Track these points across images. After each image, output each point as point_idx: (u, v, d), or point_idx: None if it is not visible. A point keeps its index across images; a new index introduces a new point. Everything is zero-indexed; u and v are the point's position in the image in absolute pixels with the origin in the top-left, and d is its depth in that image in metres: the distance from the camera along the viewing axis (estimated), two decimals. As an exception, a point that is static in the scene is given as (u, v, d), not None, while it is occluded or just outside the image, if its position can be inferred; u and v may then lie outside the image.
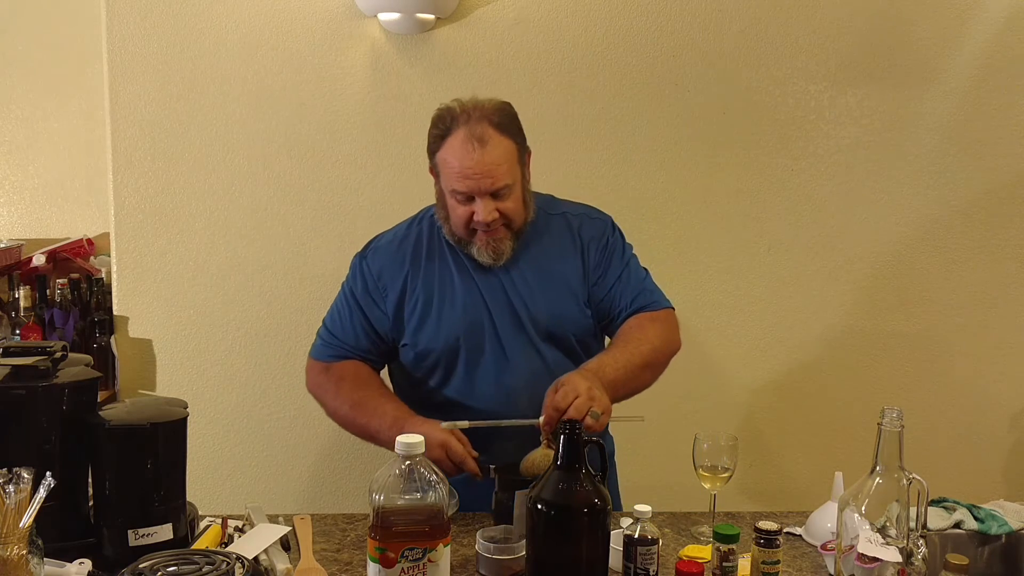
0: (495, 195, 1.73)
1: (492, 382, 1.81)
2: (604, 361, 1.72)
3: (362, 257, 1.91)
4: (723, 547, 1.43)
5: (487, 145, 1.70)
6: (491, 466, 1.70)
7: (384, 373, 1.96)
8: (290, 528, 1.58)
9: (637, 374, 1.75)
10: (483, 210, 1.72)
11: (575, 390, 1.57)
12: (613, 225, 1.93)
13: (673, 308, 1.90)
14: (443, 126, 1.74)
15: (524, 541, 1.42)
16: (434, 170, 1.81)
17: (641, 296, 1.86)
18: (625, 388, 1.73)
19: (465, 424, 1.70)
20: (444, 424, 1.70)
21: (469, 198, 1.73)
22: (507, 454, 1.70)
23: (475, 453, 1.69)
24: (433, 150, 1.78)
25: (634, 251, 1.94)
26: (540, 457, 1.63)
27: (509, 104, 1.79)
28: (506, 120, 1.75)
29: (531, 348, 1.81)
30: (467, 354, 1.81)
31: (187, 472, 1.53)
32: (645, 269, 1.93)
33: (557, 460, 1.37)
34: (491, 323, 1.81)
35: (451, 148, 1.72)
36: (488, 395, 1.80)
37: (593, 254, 1.87)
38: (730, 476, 1.66)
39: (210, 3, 2.55)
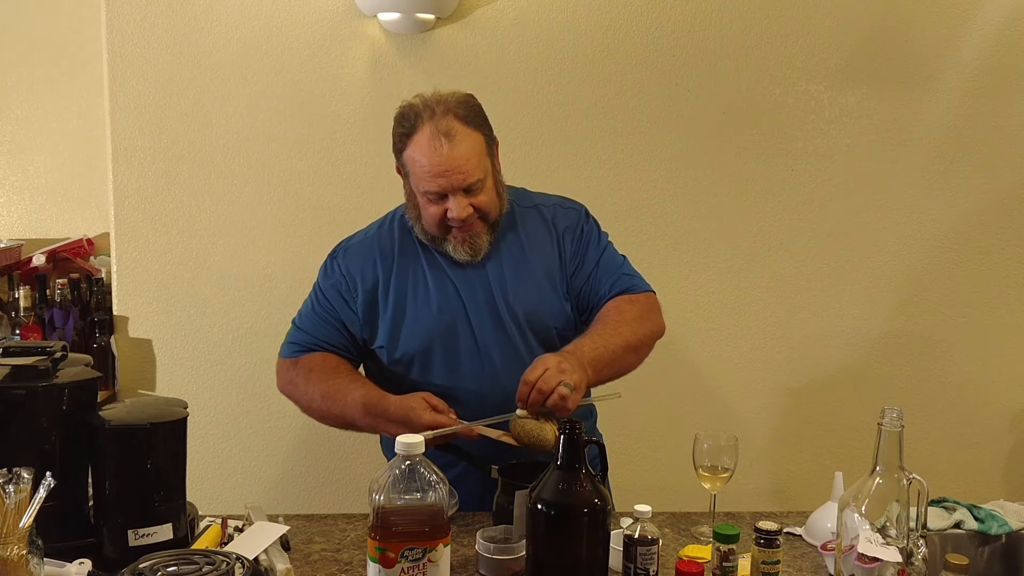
0: (468, 190, 1.70)
1: (471, 380, 1.79)
2: (581, 342, 1.71)
3: (333, 257, 1.89)
4: (723, 547, 1.43)
5: (455, 140, 1.67)
6: (493, 466, 1.70)
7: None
8: (289, 528, 1.58)
9: (619, 354, 1.73)
10: (457, 207, 1.70)
11: (544, 364, 1.58)
12: (587, 213, 1.91)
13: (654, 292, 1.89)
14: (407, 124, 1.71)
15: (524, 541, 1.42)
16: (402, 170, 1.78)
17: (620, 281, 1.84)
18: (609, 368, 1.72)
19: (445, 431, 1.63)
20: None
21: (441, 196, 1.70)
22: (507, 451, 1.69)
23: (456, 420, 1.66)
24: (399, 149, 1.75)
25: (610, 239, 1.92)
26: (534, 425, 1.61)
27: (473, 96, 1.76)
28: (471, 112, 1.72)
29: (510, 343, 1.79)
30: (443, 354, 1.79)
31: (187, 472, 1.53)
32: (623, 255, 1.92)
33: (557, 460, 1.37)
34: (467, 321, 1.79)
35: (418, 146, 1.69)
36: (467, 394, 1.77)
37: (569, 244, 1.85)
38: (730, 476, 1.66)
39: (210, 3, 2.55)
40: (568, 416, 1.57)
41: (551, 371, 1.56)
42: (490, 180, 1.75)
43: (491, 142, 1.77)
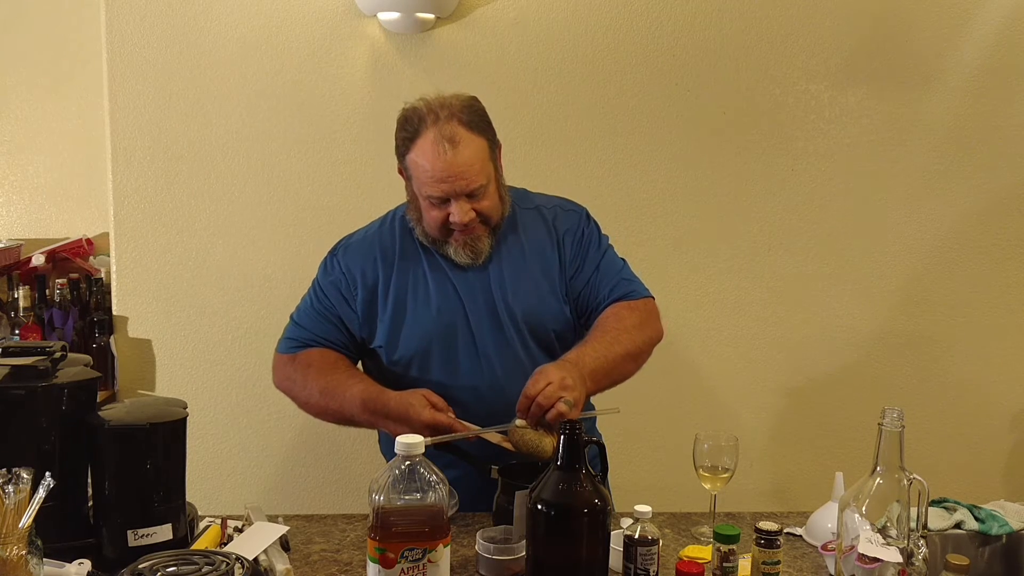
0: (470, 195, 1.70)
1: (469, 381, 1.78)
2: (583, 352, 1.69)
3: (333, 255, 1.88)
4: (723, 547, 1.43)
5: (458, 146, 1.66)
6: (493, 467, 1.70)
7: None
8: (289, 528, 1.58)
9: (618, 363, 1.72)
10: (459, 212, 1.69)
11: (546, 378, 1.57)
12: (588, 216, 1.90)
13: (652, 297, 1.88)
14: (411, 128, 1.70)
15: (524, 542, 1.42)
16: (404, 172, 1.78)
17: (619, 286, 1.84)
18: (608, 378, 1.71)
19: (444, 438, 1.64)
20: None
21: (444, 200, 1.70)
22: (507, 452, 1.69)
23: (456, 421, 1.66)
24: (402, 153, 1.74)
25: (611, 242, 1.92)
26: (533, 435, 1.61)
27: (476, 99, 1.75)
28: (475, 117, 1.71)
29: (509, 346, 1.79)
30: (441, 355, 1.79)
31: (187, 472, 1.53)
32: (623, 259, 1.91)
33: (557, 460, 1.37)
34: (467, 323, 1.79)
35: (421, 151, 1.68)
36: (465, 393, 1.77)
37: (569, 246, 1.85)
38: (730, 476, 1.66)
39: (209, 3, 2.55)
40: None
41: (553, 386, 1.55)
42: (492, 185, 1.74)
43: (494, 146, 1.76)
